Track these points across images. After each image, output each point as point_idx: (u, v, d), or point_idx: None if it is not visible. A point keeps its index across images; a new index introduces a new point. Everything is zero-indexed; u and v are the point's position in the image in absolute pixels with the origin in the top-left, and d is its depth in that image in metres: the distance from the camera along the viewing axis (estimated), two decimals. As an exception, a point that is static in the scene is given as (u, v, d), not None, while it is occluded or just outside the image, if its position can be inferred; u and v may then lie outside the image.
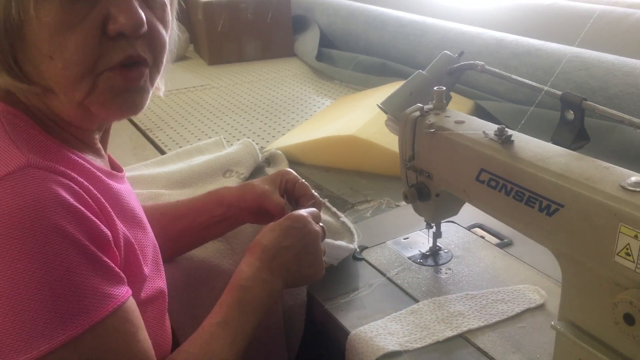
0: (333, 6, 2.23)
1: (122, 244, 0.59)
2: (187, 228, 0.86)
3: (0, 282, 0.48)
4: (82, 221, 0.53)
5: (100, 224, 0.55)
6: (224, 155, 1.21)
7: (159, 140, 1.41)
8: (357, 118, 1.27)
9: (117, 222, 0.59)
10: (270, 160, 1.23)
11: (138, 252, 0.63)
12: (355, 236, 0.93)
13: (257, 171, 1.18)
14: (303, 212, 0.78)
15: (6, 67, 0.56)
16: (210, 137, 1.38)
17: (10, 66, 0.56)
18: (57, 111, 0.60)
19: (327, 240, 0.84)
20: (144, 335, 0.59)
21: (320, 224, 0.81)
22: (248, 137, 1.33)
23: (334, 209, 1.02)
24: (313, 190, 0.87)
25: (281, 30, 2.21)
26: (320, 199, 0.88)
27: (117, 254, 0.58)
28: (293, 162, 1.23)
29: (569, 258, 0.60)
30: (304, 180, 0.88)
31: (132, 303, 0.57)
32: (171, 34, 0.67)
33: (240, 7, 2.11)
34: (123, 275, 0.57)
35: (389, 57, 1.86)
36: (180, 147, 1.32)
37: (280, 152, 1.24)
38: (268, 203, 0.83)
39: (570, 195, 0.58)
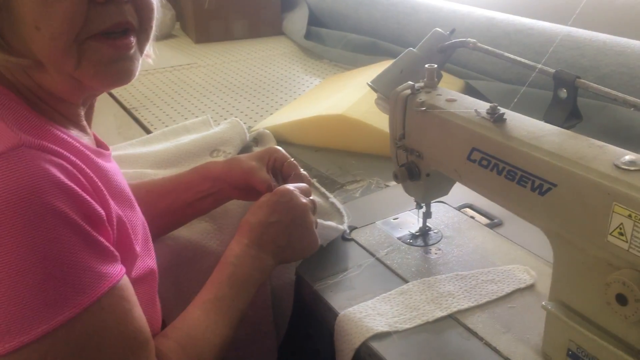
0: (322, -16, 2.20)
1: (114, 223, 0.58)
2: (173, 204, 0.84)
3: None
4: (76, 200, 0.52)
5: (93, 202, 0.54)
6: (211, 134, 1.19)
7: (145, 119, 1.39)
8: (346, 97, 1.26)
9: (110, 200, 0.58)
10: (258, 139, 1.22)
11: (130, 230, 0.62)
12: (345, 217, 0.92)
13: (244, 150, 1.16)
14: (290, 186, 0.77)
15: None
16: (197, 117, 1.36)
17: None
18: (47, 86, 0.58)
19: (317, 219, 0.83)
20: (138, 312, 0.58)
21: (311, 198, 0.80)
22: (236, 117, 1.32)
23: (323, 189, 1.01)
24: (302, 170, 0.86)
25: (269, 8, 2.17)
26: (309, 178, 0.86)
27: (111, 232, 0.57)
28: (281, 142, 1.21)
29: (561, 238, 0.59)
30: (293, 159, 0.87)
31: (126, 281, 0.57)
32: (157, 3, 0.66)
33: (227, -15, 2.07)
34: (117, 253, 0.56)
35: (379, 36, 1.84)
36: (167, 126, 1.30)
37: (268, 131, 1.22)
38: (254, 180, 0.82)
39: (563, 175, 0.57)
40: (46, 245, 0.49)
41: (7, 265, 0.47)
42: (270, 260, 0.73)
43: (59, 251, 0.49)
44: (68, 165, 0.53)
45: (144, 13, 0.60)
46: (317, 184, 1.03)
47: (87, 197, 0.53)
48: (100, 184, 0.57)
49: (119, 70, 0.59)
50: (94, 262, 0.52)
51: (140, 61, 0.62)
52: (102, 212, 0.55)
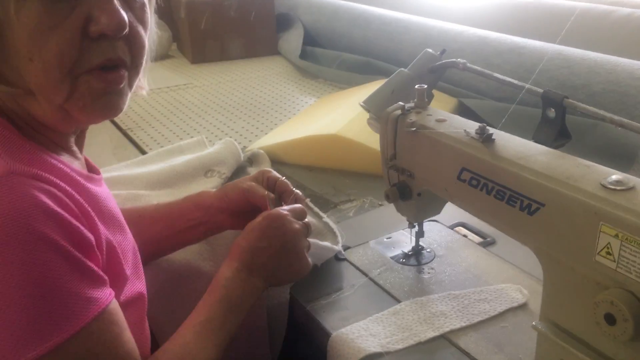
0: (317, 4, 2.22)
1: (104, 247, 0.59)
2: (165, 231, 0.85)
3: None
4: (65, 227, 0.52)
5: (82, 228, 0.54)
6: (206, 154, 1.19)
7: (140, 139, 1.39)
8: (340, 117, 1.26)
9: (99, 225, 0.59)
10: (252, 159, 1.22)
11: (120, 254, 0.62)
12: (339, 237, 0.92)
13: (239, 171, 1.17)
14: (284, 209, 0.78)
15: None
16: (192, 137, 1.37)
17: None
18: (36, 115, 0.58)
19: (312, 240, 0.83)
20: (128, 336, 0.58)
21: (305, 220, 0.80)
22: (230, 137, 1.32)
23: (317, 209, 1.01)
24: (293, 188, 0.87)
25: (265, 28, 2.19)
26: (302, 195, 0.87)
27: (100, 257, 0.57)
28: (275, 162, 1.22)
29: (550, 257, 0.59)
30: (284, 177, 0.88)
31: (115, 305, 0.57)
32: (150, 33, 0.67)
33: (223, 5, 2.08)
34: (106, 277, 0.57)
35: (373, 55, 1.85)
36: (162, 146, 1.31)
37: (262, 151, 1.22)
38: (254, 197, 0.83)
39: (551, 194, 0.57)
40: (35, 272, 0.49)
41: (4, 288, 0.48)
42: (260, 283, 0.73)
43: (47, 277, 0.50)
44: (57, 192, 0.53)
45: (136, 49, 0.61)
46: (310, 204, 1.03)
47: (76, 223, 0.53)
48: (89, 208, 0.57)
49: (106, 104, 0.60)
50: (83, 287, 0.52)
51: (129, 96, 0.63)
52: (91, 237, 0.55)
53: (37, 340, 0.49)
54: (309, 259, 0.79)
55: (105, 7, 0.56)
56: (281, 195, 0.86)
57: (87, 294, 0.53)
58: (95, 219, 0.58)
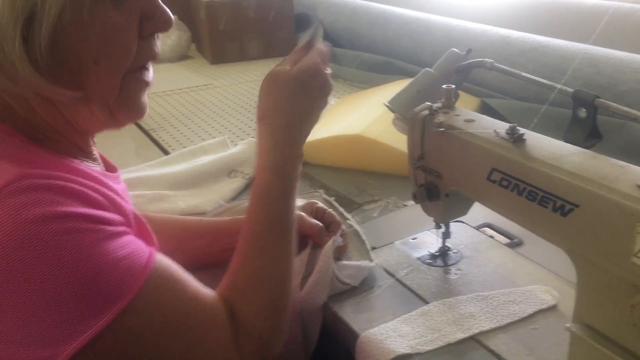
0: (336, 4, 2.22)
1: (133, 224, 0.60)
2: (207, 248, 0.84)
3: (36, 292, 0.48)
4: (89, 203, 0.53)
5: (107, 212, 0.55)
6: (229, 155, 1.20)
7: (163, 140, 1.40)
8: (362, 117, 1.26)
9: (125, 205, 0.59)
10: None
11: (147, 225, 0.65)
12: (368, 245, 0.91)
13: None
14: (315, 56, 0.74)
15: (43, 72, 0.53)
16: (214, 137, 1.37)
17: (48, 72, 0.54)
18: (81, 121, 0.59)
19: (346, 262, 0.84)
20: (188, 278, 0.60)
21: (340, 237, 0.83)
22: (252, 137, 1.32)
23: (341, 209, 1.01)
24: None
25: (284, 28, 2.19)
26: (345, 228, 0.89)
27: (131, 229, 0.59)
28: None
29: (584, 259, 0.58)
30: (331, 210, 0.91)
31: (162, 256, 0.59)
32: None
33: (242, 6, 2.09)
34: (140, 240, 0.58)
35: (393, 55, 1.85)
36: (184, 147, 1.31)
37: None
38: (304, 226, 0.84)
39: (586, 195, 0.56)
40: (75, 262, 0.50)
41: (50, 285, 0.49)
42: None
43: (88, 255, 0.50)
44: (74, 185, 0.53)
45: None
46: (335, 203, 1.03)
47: (100, 199, 0.54)
48: (112, 195, 0.58)
49: (143, 103, 0.62)
50: (124, 249, 0.54)
51: None
52: (120, 217, 0.57)
53: (103, 308, 0.51)
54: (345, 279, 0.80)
55: (156, 5, 0.58)
56: (329, 226, 0.88)
57: (131, 254, 0.54)
58: (118, 199, 0.58)
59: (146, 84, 0.61)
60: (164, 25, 0.58)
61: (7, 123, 0.56)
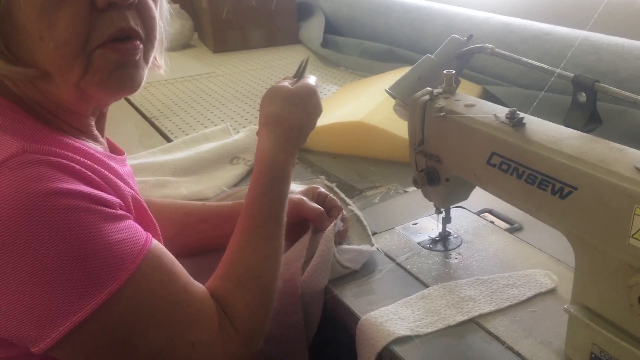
0: (338, -8, 2.21)
1: (132, 206, 0.60)
2: (210, 232, 0.85)
3: (33, 266, 0.49)
4: (87, 182, 0.54)
5: (106, 194, 0.55)
6: (231, 142, 1.21)
7: (165, 128, 1.41)
8: (364, 104, 1.26)
9: (125, 188, 0.60)
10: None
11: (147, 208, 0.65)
12: (369, 230, 0.92)
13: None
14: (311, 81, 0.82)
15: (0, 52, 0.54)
16: (216, 125, 1.38)
17: (2, 51, 0.54)
18: (53, 97, 0.58)
19: (347, 246, 0.85)
20: (180, 269, 0.60)
21: (344, 224, 0.85)
22: (254, 125, 1.33)
23: (343, 195, 1.02)
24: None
25: (286, 17, 2.19)
26: (347, 214, 0.90)
27: (131, 215, 0.59)
28: (300, 149, 1.22)
29: (582, 241, 0.59)
30: (332, 195, 0.91)
31: (157, 244, 0.59)
32: (162, 13, 0.66)
33: (244, -5, 2.09)
34: (138, 225, 0.58)
35: (395, 43, 1.85)
36: (187, 134, 1.32)
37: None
38: (305, 209, 0.85)
39: (584, 178, 0.57)
40: (71, 238, 0.50)
41: (46, 260, 0.49)
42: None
43: (83, 240, 0.51)
44: (75, 165, 0.54)
45: (147, 21, 0.60)
46: (336, 189, 1.04)
47: (97, 190, 0.54)
48: (114, 177, 0.58)
49: (122, 77, 0.59)
50: (120, 234, 0.54)
51: (146, 71, 0.62)
52: (117, 199, 0.57)
53: (92, 292, 0.51)
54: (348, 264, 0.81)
55: None
56: (330, 211, 0.88)
57: (127, 239, 0.54)
58: (121, 184, 0.59)
59: (117, 59, 0.57)
60: None
61: (8, 99, 0.57)
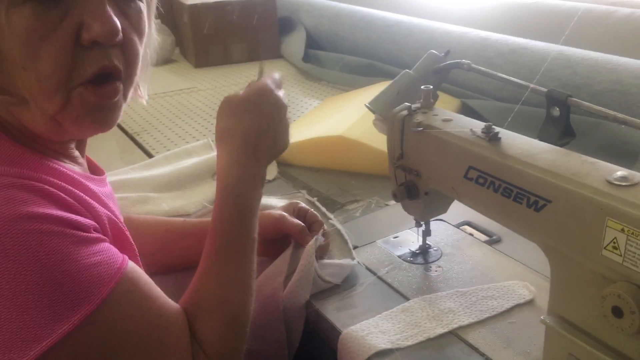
0: (318, 7, 2.23)
1: (108, 229, 0.60)
2: (193, 247, 0.83)
3: (3, 289, 0.49)
4: (61, 204, 0.53)
5: (80, 216, 0.55)
6: (212, 157, 1.21)
7: (147, 143, 1.40)
8: (345, 118, 1.28)
9: (101, 210, 0.59)
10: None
11: (125, 231, 0.64)
12: (350, 244, 0.92)
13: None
14: (267, 82, 0.77)
15: None
16: (198, 140, 1.38)
17: None
18: (26, 123, 0.58)
19: (329, 261, 0.85)
20: (157, 291, 0.60)
21: (324, 239, 0.84)
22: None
23: (324, 209, 1.02)
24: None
25: (267, 32, 2.20)
26: (327, 228, 0.91)
27: (106, 237, 0.58)
28: (281, 163, 1.23)
29: (557, 253, 0.60)
30: (313, 210, 0.92)
31: (134, 266, 0.58)
32: (149, 40, 0.66)
33: (226, 10, 2.10)
34: (114, 247, 0.58)
35: (376, 58, 1.87)
36: (168, 150, 1.32)
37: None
38: (286, 225, 0.86)
39: (558, 191, 0.58)
40: (44, 262, 0.50)
41: (15, 289, 0.49)
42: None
43: (58, 262, 0.50)
44: (49, 188, 0.53)
45: (130, 59, 0.60)
46: (318, 203, 1.04)
47: (71, 213, 0.54)
48: (89, 199, 0.58)
49: (98, 119, 0.59)
50: (94, 257, 0.53)
51: (122, 108, 0.63)
52: (93, 222, 0.56)
53: (66, 316, 0.50)
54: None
55: (97, 14, 0.54)
56: (311, 226, 0.89)
57: (101, 262, 0.54)
58: (97, 207, 0.58)
59: (96, 102, 0.57)
60: (103, 35, 0.54)
61: None
